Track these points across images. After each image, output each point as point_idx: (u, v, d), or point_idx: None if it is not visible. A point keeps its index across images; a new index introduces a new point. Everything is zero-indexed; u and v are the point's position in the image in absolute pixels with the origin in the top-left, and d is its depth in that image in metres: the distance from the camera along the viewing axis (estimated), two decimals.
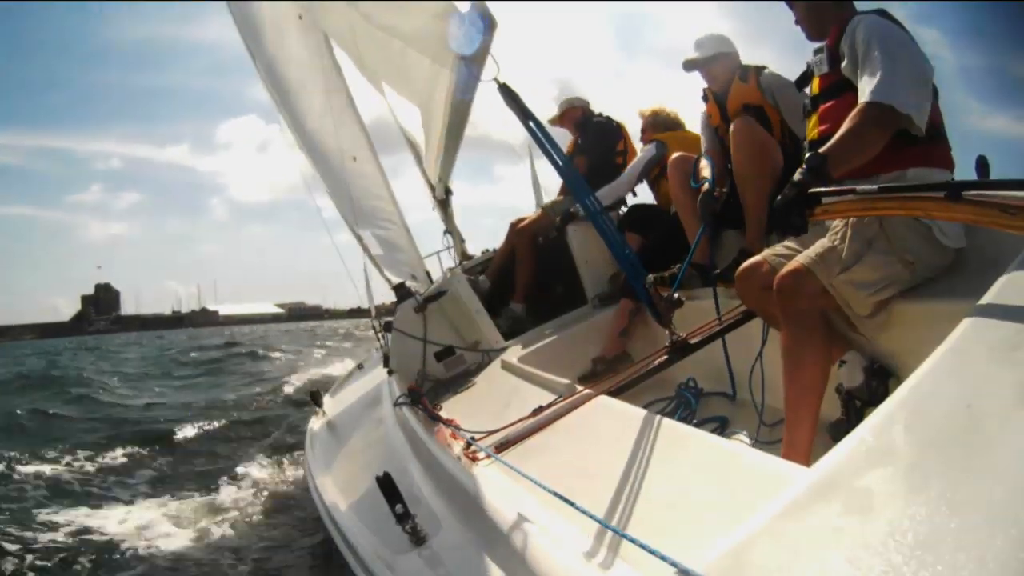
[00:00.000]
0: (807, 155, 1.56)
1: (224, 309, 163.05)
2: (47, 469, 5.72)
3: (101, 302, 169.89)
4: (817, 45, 2.01)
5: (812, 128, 2.02)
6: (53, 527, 4.22)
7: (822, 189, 1.48)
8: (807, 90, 2.13)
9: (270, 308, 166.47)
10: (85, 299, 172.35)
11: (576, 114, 4.21)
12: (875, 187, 1.37)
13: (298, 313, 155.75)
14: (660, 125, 3.78)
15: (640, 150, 3.91)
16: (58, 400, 10.37)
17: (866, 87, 1.66)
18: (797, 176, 1.54)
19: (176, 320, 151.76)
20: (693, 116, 3.50)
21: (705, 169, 2.71)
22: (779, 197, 1.55)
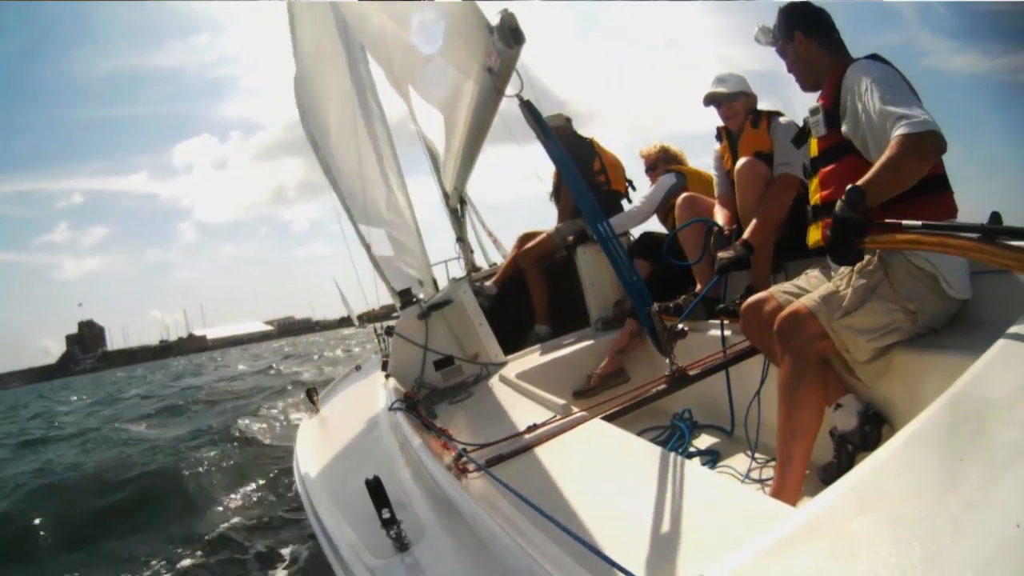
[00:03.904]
0: (848, 187, 1.56)
1: (212, 333, 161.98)
2: None
3: (86, 340, 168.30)
4: (813, 105, 1.98)
5: (814, 192, 2.01)
6: None
7: (875, 222, 1.51)
8: (805, 149, 2.11)
9: (259, 326, 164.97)
10: (70, 338, 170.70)
11: (561, 134, 3.87)
12: (919, 223, 1.40)
13: (288, 328, 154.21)
14: (672, 159, 3.81)
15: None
16: None
17: (895, 121, 1.63)
18: (838, 209, 1.56)
19: (164, 350, 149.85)
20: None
21: (718, 215, 2.81)
22: (829, 232, 1.58)
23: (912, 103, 1.65)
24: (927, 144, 1.57)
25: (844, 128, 1.84)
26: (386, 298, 3.81)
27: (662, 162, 3.80)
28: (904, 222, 1.44)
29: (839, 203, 1.57)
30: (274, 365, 21.00)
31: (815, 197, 2.00)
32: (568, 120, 4.17)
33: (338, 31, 3.80)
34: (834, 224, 1.58)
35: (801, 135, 2.12)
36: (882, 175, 1.58)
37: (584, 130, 3.96)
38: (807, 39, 1.99)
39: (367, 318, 4.54)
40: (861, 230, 1.53)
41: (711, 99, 2.93)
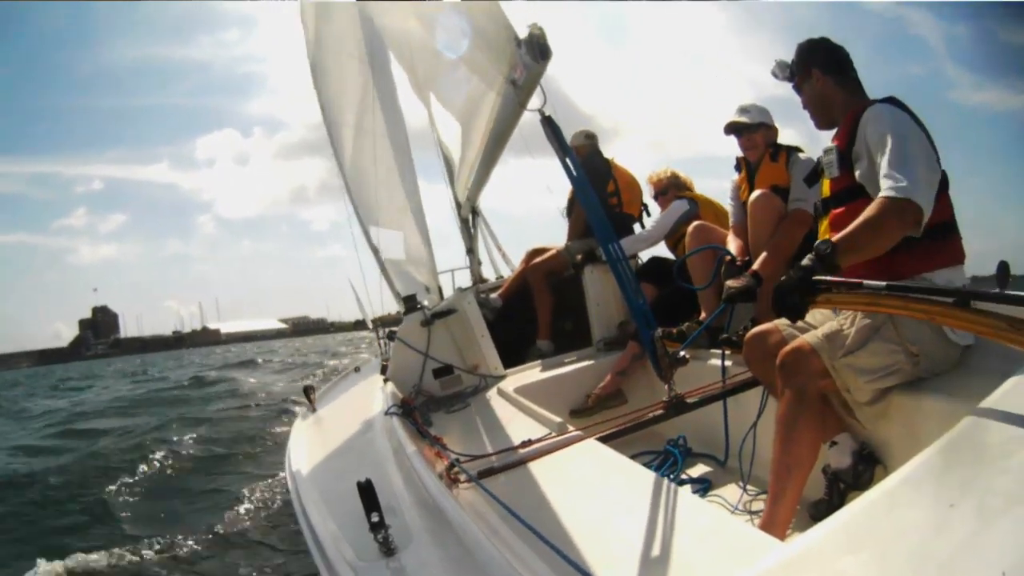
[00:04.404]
0: (817, 242, 1.56)
1: (226, 327, 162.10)
2: None
3: (99, 325, 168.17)
4: (828, 145, 1.96)
5: (823, 233, 2.00)
6: None
7: (828, 278, 1.48)
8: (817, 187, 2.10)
9: (273, 324, 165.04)
10: (83, 323, 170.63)
11: (584, 152, 4.03)
12: (883, 284, 1.37)
13: (302, 327, 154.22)
14: (682, 186, 3.82)
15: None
16: None
17: (885, 182, 1.62)
18: (805, 261, 1.54)
19: (177, 340, 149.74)
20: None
21: (731, 245, 2.82)
22: (783, 278, 1.55)
23: (913, 163, 1.63)
24: (906, 213, 1.56)
25: (857, 173, 1.83)
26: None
27: (672, 188, 3.81)
28: (865, 281, 1.41)
29: (808, 256, 1.55)
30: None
31: (825, 238, 1.99)
32: (591, 137, 4.18)
33: (363, 31, 3.83)
34: (794, 271, 1.54)
35: (813, 174, 2.12)
36: (858, 234, 1.57)
37: (608, 146, 3.92)
38: (824, 76, 1.98)
39: (381, 322, 4.55)
40: (814, 288, 1.50)
41: (732, 128, 2.94)
